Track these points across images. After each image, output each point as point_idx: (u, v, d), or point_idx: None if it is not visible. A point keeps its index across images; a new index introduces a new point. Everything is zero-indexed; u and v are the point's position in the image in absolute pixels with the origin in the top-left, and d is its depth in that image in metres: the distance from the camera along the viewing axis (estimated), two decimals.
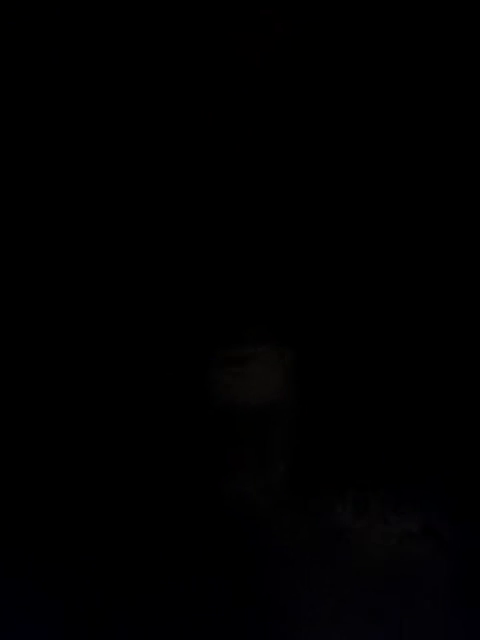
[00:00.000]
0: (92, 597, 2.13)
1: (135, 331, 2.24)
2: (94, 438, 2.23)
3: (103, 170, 2.24)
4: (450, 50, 2.17)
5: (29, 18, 2.22)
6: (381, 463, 2.22)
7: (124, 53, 2.22)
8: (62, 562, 2.16)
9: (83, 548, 2.17)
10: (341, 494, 2.22)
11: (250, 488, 2.22)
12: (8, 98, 2.26)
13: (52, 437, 2.23)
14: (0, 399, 2.24)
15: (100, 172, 2.24)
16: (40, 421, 2.24)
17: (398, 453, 2.22)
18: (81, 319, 2.24)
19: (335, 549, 2.19)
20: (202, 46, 2.20)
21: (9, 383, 2.24)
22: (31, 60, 2.24)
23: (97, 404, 2.23)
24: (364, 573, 2.17)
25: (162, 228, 2.24)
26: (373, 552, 2.19)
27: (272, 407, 2.23)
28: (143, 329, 2.24)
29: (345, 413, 2.22)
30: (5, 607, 2.12)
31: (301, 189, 2.19)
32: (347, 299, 2.22)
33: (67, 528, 2.19)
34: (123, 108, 2.25)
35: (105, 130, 2.24)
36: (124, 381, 2.23)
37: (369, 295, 2.22)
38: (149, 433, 2.22)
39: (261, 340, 2.23)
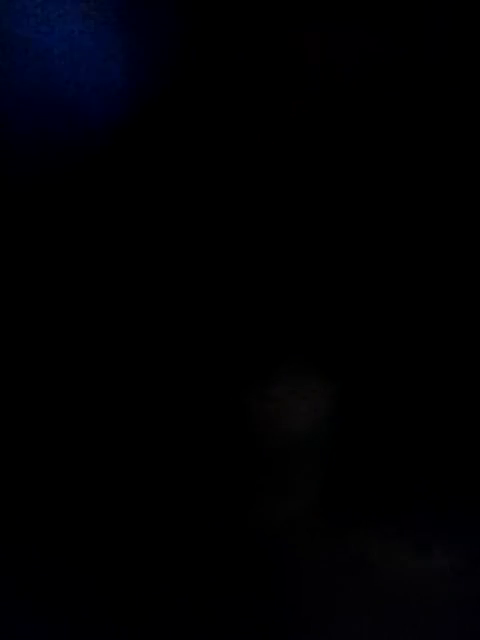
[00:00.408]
0: (102, 612, 2.11)
1: (176, 365, 2.21)
2: (127, 457, 2.20)
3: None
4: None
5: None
6: (424, 495, 2.13)
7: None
8: (79, 571, 2.14)
9: (105, 566, 2.16)
10: (380, 526, 2.14)
11: (283, 519, 2.17)
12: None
13: (86, 452, 2.21)
14: (32, 413, 2.23)
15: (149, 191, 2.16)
16: (74, 434, 2.22)
17: (443, 485, 2.13)
18: (119, 350, 2.22)
19: (372, 583, 2.12)
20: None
21: (48, 399, 2.23)
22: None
23: (133, 428, 2.21)
24: (402, 609, 2.09)
25: (201, 262, 2.19)
26: (413, 587, 2.10)
27: (310, 441, 2.18)
28: (184, 361, 2.21)
29: (386, 445, 2.14)
30: (9, 612, 2.13)
31: (353, 225, 2.11)
32: (387, 339, 2.15)
33: (90, 543, 2.17)
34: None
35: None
36: (162, 414, 2.21)
37: (408, 336, 2.15)
38: (185, 462, 2.19)
39: (302, 376, 2.19)
